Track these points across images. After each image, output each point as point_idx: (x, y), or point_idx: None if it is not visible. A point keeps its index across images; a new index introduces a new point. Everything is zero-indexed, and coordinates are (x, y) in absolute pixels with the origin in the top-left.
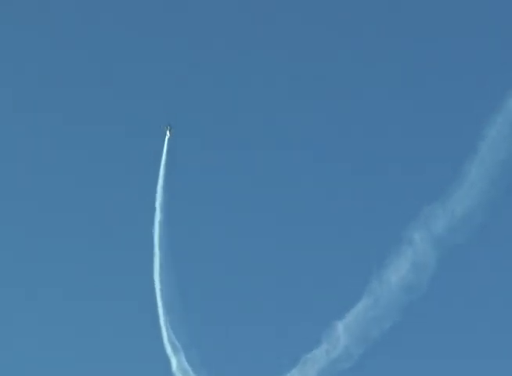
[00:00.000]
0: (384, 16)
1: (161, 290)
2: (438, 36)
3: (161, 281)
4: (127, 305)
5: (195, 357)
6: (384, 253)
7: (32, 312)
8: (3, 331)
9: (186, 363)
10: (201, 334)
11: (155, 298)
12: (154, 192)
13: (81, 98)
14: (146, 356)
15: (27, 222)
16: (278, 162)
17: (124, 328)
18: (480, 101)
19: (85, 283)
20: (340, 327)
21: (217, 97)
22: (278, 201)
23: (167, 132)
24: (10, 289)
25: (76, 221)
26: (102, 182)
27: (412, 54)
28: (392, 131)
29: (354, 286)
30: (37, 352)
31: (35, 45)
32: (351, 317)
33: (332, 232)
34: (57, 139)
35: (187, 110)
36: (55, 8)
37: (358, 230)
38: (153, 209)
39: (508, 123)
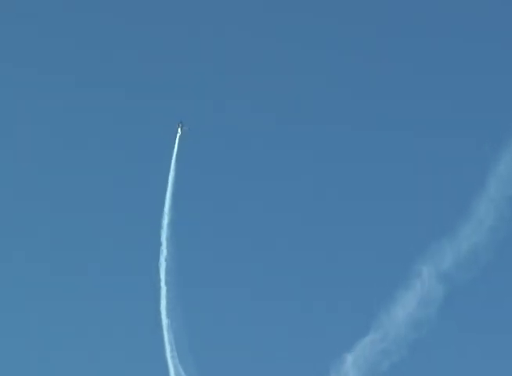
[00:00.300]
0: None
1: (168, 324)
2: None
3: (168, 315)
4: (133, 333)
5: None
6: (392, 288)
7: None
8: (3, 331)
9: None
10: (209, 367)
11: (162, 331)
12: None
13: (85, 97)
14: None
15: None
16: (281, 164)
17: (131, 361)
18: (488, 136)
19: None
20: (350, 359)
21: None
22: (289, 233)
23: (179, 130)
24: (10, 289)
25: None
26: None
27: (419, 87)
28: (400, 165)
29: (361, 319)
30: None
31: (37, 45)
32: (360, 350)
33: (340, 266)
34: (57, 138)
35: (193, 110)
36: (59, 6)
37: (366, 266)
38: (159, 243)
39: None
